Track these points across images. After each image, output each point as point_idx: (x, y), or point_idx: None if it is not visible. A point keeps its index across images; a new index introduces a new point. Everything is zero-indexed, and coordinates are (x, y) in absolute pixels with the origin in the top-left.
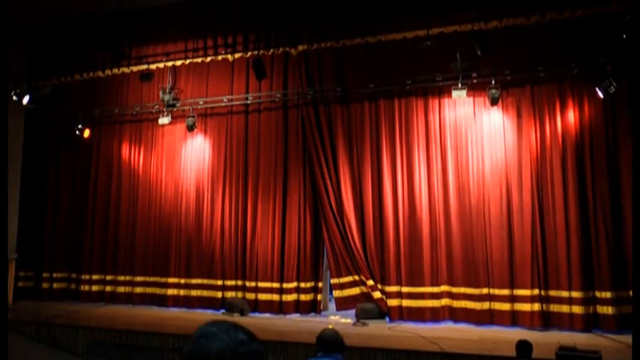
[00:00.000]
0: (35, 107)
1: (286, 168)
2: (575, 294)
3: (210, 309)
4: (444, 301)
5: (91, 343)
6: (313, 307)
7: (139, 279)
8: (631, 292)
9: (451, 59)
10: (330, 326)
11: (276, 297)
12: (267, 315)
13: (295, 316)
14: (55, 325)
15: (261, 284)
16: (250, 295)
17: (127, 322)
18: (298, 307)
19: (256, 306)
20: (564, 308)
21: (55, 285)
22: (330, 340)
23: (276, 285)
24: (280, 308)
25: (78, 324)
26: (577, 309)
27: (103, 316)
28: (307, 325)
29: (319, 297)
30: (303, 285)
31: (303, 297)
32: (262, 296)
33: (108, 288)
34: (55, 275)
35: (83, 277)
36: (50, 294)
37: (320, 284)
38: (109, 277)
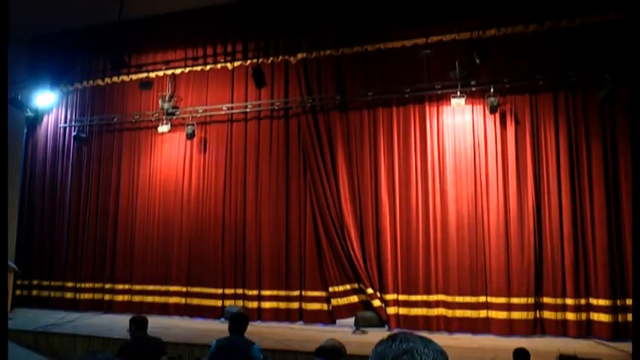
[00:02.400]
0: (35, 116)
1: (287, 176)
2: (570, 301)
3: (210, 318)
4: (441, 310)
5: (88, 351)
6: (324, 317)
7: (137, 287)
8: (627, 301)
9: (450, 67)
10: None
11: (281, 305)
12: (269, 323)
13: (299, 325)
14: (53, 333)
15: (263, 292)
16: (253, 304)
17: (125, 330)
18: (302, 316)
19: (259, 314)
20: (559, 315)
21: (53, 293)
22: (330, 350)
23: (281, 293)
24: (284, 316)
25: (75, 333)
26: (572, 316)
27: (100, 325)
28: (308, 333)
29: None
30: (305, 293)
31: (305, 306)
32: (265, 304)
33: (107, 297)
34: (53, 284)
35: (82, 285)
36: (48, 302)
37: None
38: (107, 286)
